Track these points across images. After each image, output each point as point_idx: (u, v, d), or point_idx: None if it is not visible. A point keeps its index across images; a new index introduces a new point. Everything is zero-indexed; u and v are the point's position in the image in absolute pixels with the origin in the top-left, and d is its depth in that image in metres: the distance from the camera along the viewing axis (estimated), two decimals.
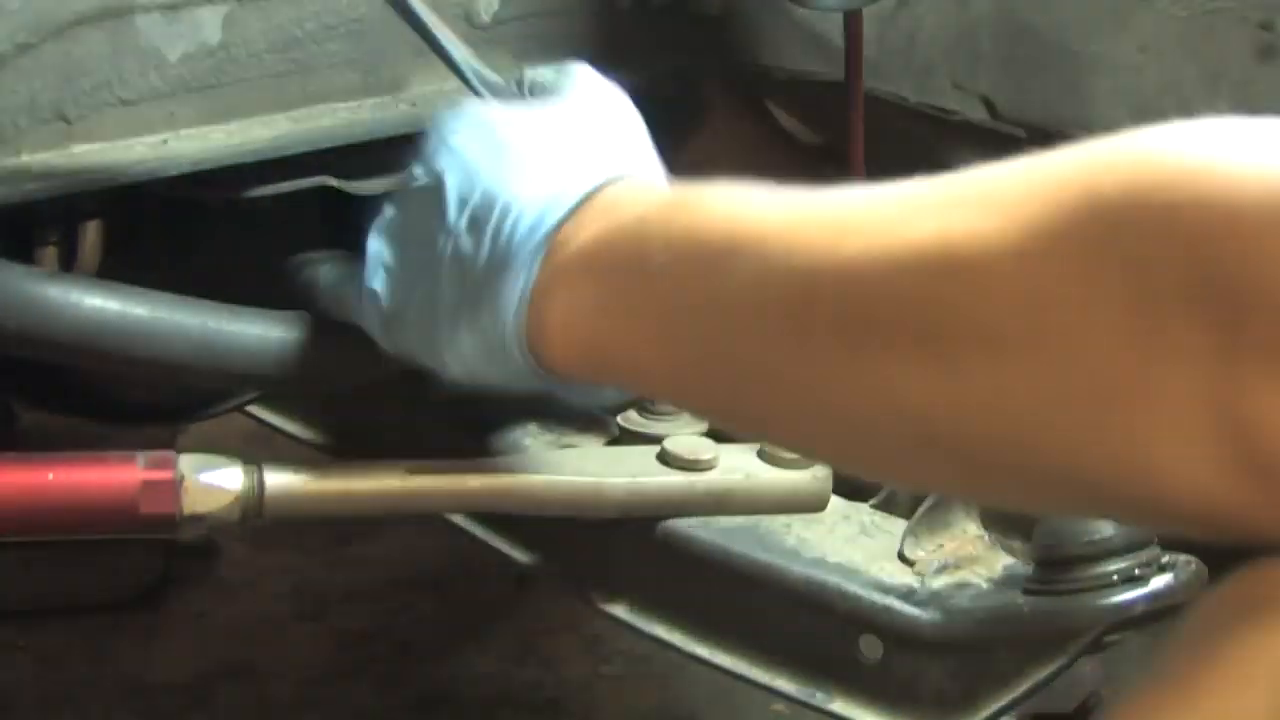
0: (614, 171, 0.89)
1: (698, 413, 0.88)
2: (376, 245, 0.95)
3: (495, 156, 0.91)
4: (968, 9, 1.19)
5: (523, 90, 0.99)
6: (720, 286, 0.76)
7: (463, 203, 0.91)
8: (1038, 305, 0.62)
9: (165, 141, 0.98)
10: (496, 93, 0.98)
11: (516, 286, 0.87)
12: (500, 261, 0.88)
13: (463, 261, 0.90)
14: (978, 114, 1.20)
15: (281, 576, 1.79)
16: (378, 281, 0.94)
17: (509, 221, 0.88)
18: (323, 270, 1.01)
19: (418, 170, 0.95)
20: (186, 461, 0.97)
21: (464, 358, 0.92)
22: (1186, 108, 1.13)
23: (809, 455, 0.90)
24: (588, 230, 0.86)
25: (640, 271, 0.82)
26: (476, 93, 0.98)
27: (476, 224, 0.89)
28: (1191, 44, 1.13)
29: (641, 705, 1.65)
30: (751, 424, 0.82)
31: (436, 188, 0.92)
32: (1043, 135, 1.18)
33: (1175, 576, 0.94)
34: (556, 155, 0.90)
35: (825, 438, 0.76)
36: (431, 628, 1.74)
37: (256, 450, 1.35)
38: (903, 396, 0.67)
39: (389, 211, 0.95)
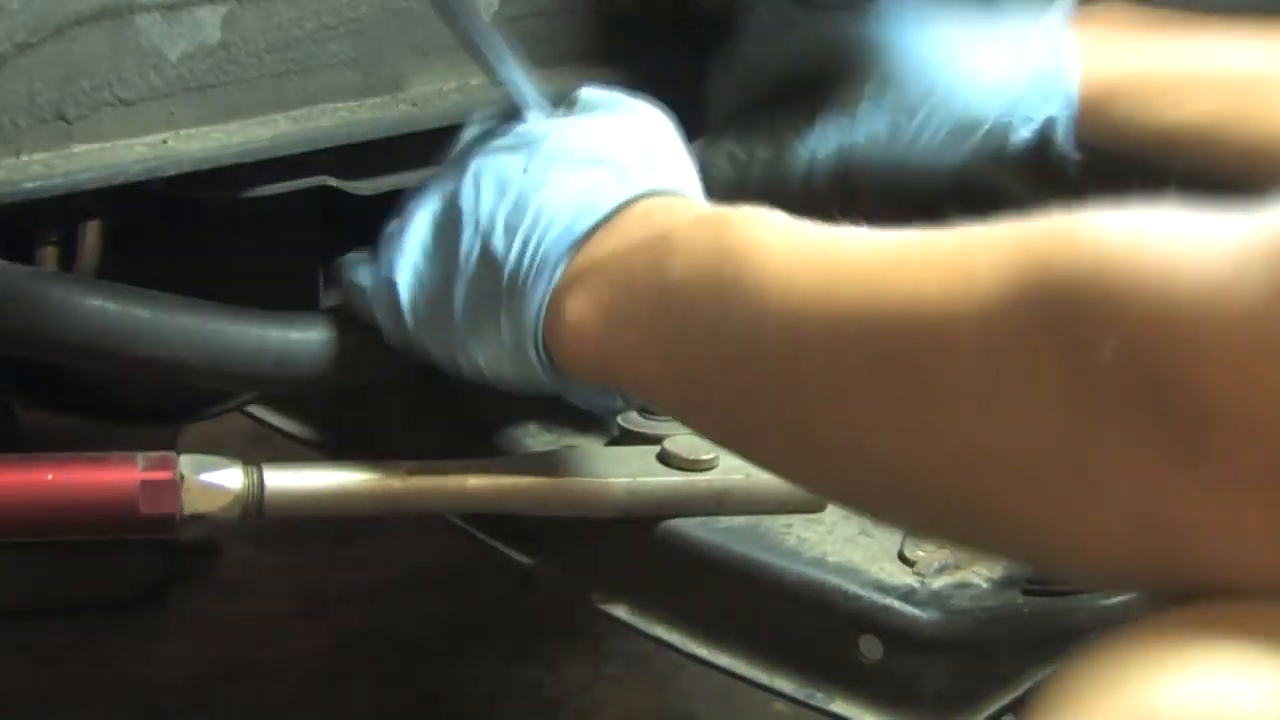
0: (650, 186, 0.90)
1: (694, 426, 0.89)
2: (399, 239, 0.96)
3: (533, 164, 0.92)
4: None
5: (566, 107, 1.00)
6: (724, 316, 0.78)
7: (496, 207, 0.92)
8: (990, 372, 0.65)
9: (165, 141, 0.98)
10: (540, 108, 0.99)
11: (540, 289, 0.88)
12: (528, 265, 0.89)
13: (492, 264, 0.91)
14: None
15: (281, 576, 1.79)
16: (397, 274, 0.95)
17: (540, 227, 0.89)
18: (344, 263, 1.02)
19: (449, 172, 0.96)
20: (186, 462, 0.97)
21: (482, 357, 0.93)
22: None
23: (794, 482, 0.92)
24: (615, 239, 0.87)
25: (656, 286, 0.83)
26: (521, 106, 0.98)
27: (509, 229, 0.91)
28: None
29: (641, 705, 1.65)
30: (739, 445, 0.85)
31: (470, 190, 0.93)
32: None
33: None
34: (593, 166, 0.91)
35: (807, 469, 0.79)
36: (431, 628, 1.74)
37: (256, 450, 1.35)
38: (874, 442, 0.70)
39: (417, 208, 0.96)
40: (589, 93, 1.00)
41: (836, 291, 0.72)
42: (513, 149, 0.94)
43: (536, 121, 0.96)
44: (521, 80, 0.98)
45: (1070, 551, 0.65)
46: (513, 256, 0.90)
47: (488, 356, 0.93)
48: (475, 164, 0.95)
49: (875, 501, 0.76)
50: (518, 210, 0.91)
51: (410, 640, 1.72)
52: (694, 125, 1.27)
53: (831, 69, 1.12)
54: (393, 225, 0.99)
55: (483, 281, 0.91)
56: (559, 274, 0.88)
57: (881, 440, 0.70)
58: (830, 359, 0.72)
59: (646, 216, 0.88)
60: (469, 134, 0.99)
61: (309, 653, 1.69)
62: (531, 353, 0.90)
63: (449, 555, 1.74)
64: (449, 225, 0.94)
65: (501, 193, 0.92)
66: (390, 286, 0.96)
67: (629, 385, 0.89)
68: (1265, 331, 0.57)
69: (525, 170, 0.92)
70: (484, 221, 0.92)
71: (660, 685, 1.65)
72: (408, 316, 0.95)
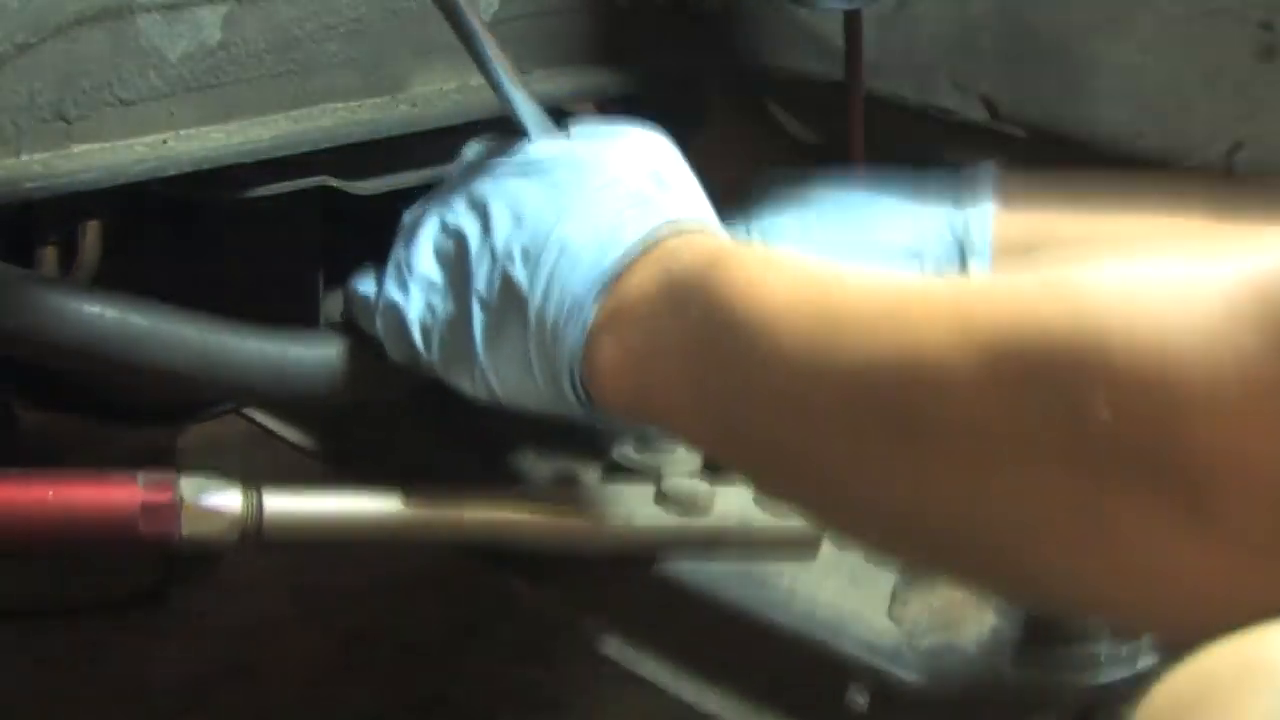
0: (670, 216, 0.90)
1: (726, 466, 0.90)
2: (404, 261, 0.96)
3: (548, 192, 0.92)
4: (968, 9, 1.19)
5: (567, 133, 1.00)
6: (738, 361, 0.80)
7: (513, 237, 0.92)
8: (988, 430, 0.65)
9: (165, 141, 0.98)
10: (543, 129, 0.98)
11: (574, 331, 0.88)
12: (557, 304, 0.89)
13: (514, 297, 0.91)
14: (978, 114, 1.20)
15: (281, 576, 1.79)
16: (404, 298, 0.95)
17: (566, 263, 0.89)
18: (354, 278, 1.02)
19: (454, 194, 0.96)
20: (186, 483, 0.97)
21: (502, 384, 0.93)
22: (1186, 108, 1.13)
23: (821, 525, 0.92)
24: (641, 277, 0.88)
25: (680, 331, 0.84)
26: (523, 128, 0.98)
27: (531, 261, 0.90)
28: (1191, 44, 1.13)
29: (641, 705, 1.65)
30: (767, 487, 0.85)
31: (481, 216, 0.93)
32: (1043, 135, 1.18)
33: (1160, 658, 0.94)
34: (611, 192, 0.91)
35: (826, 511, 0.80)
36: (431, 628, 1.74)
37: (256, 452, 1.35)
38: (882, 490, 0.71)
39: (421, 229, 0.96)
40: (583, 122, 1.00)
41: (844, 338, 0.73)
42: (523, 174, 0.94)
43: (541, 143, 0.96)
44: (524, 100, 0.98)
45: (1076, 600, 0.66)
46: (538, 293, 0.90)
47: (509, 385, 0.93)
48: (483, 188, 0.95)
49: (890, 546, 0.77)
50: (537, 242, 0.91)
51: (410, 640, 1.72)
52: (693, 124, 1.27)
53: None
54: (397, 245, 0.99)
55: (505, 314, 0.91)
56: (590, 315, 0.88)
57: (889, 489, 0.71)
58: (840, 408, 0.73)
59: (669, 254, 0.88)
60: (470, 153, 0.99)
61: (309, 653, 1.69)
62: (569, 393, 0.90)
63: (449, 555, 1.74)
64: (459, 251, 0.94)
65: (518, 222, 0.92)
66: (396, 310, 0.96)
67: (667, 427, 0.89)
68: (1256, 384, 0.57)
69: (541, 198, 0.92)
70: (501, 252, 0.92)
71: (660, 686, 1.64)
72: (417, 340, 0.95)
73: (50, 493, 0.95)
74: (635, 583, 1.05)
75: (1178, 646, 0.62)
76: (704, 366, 0.82)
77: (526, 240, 0.91)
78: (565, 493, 1.06)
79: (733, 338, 0.80)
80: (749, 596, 1.02)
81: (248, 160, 1.00)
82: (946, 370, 0.67)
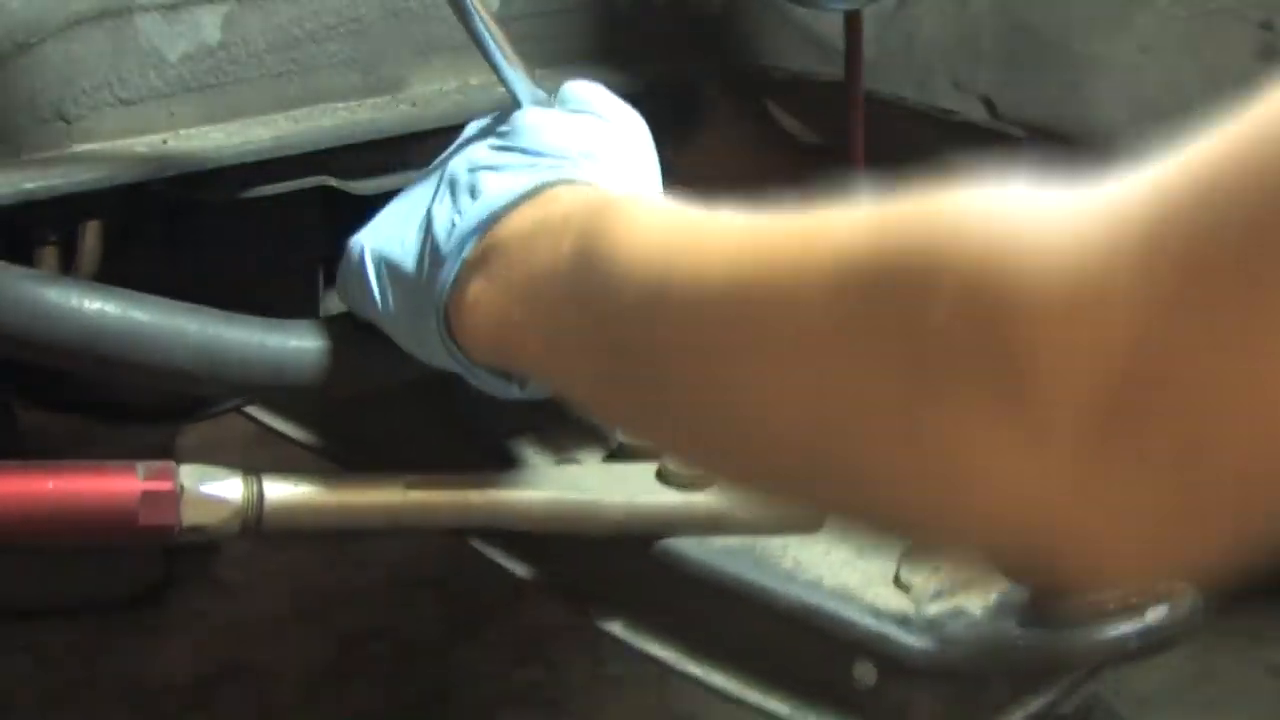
0: (571, 175, 0.89)
1: (575, 402, 0.88)
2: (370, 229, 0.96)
3: (487, 155, 0.92)
4: (968, 9, 1.19)
5: (557, 100, 0.99)
6: (597, 288, 0.79)
7: (446, 193, 0.92)
8: (836, 336, 0.64)
9: (165, 141, 0.98)
10: (532, 99, 0.98)
11: (448, 266, 0.88)
12: (445, 248, 0.89)
13: (431, 244, 0.91)
14: (978, 114, 1.21)
15: (281, 576, 1.79)
16: (366, 262, 0.95)
17: (466, 211, 0.89)
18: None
19: (434, 169, 0.96)
20: (186, 473, 0.97)
21: (397, 333, 0.93)
22: (1186, 108, 1.13)
23: (655, 444, 0.90)
24: (521, 220, 0.87)
25: (547, 265, 0.83)
26: (514, 98, 0.98)
27: (446, 211, 0.90)
28: (1191, 44, 1.13)
29: (641, 705, 1.65)
30: (609, 414, 0.84)
31: (438, 179, 0.93)
32: (1043, 135, 1.18)
33: (1171, 608, 0.94)
34: (539, 157, 0.91)
35: (664, 430, 0.79)
36: (431, 628, 1.74)
37: (256, 451, 1.35)
38: (726, 402, 0.70)
39: (397, 198, 0.96)
40: (572, 87, 0.99)
41: (693, 260, 0.73)
42: (480, 146, 0.94)
43: (521, 116, 0.96)
44: (515, 74, 0.98)
45: (894, 510, 0.65)
46: (440, 235, 0.90)
47: (402, 333, 0.93)
48: (452, 159, 0.94)
49: (727, 463, 0.75)
50: (457, 197, 0.91)
51: (410, 640, 1.72)
52: (693, 124, 1.27)
53: None
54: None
55: (422, 262, 0.91)
56: (467, 250, 0.88)
57: (733, 401, 0.70)
58: (686, 321, 0.72)
59: (555, 200, 0.88)
60: (468, 131, 0.99)
61: (309, 653, 1.69)
62: (433, 327, 0.89)
63: (449, 555, 1.74)
64: (413, 214, 0.94)
65: (454, 182, 0.92)
66: (362, 269, 0.95)
67: (518, 362, 0.89)
68: (1088, 286, 0.56)
69: (481, 161, 0.92)
70: (433, 205, 0.92)
71: (660, 685, 1.65)
72: (377, 301, 0.95)
73: (50, 483, 0.95)
74: (638, 562, 1.04)
75: (990, 559, 0.63)
76: (564, 297, 0.82)
77: (451, 196, 0.91)
78: (567, 474, 1.05)
79: (589, 266, 0.79)
80: (752, 573, 1.02)
81: (248, 160, 1.00)
82: (798, 281, 0.66)
